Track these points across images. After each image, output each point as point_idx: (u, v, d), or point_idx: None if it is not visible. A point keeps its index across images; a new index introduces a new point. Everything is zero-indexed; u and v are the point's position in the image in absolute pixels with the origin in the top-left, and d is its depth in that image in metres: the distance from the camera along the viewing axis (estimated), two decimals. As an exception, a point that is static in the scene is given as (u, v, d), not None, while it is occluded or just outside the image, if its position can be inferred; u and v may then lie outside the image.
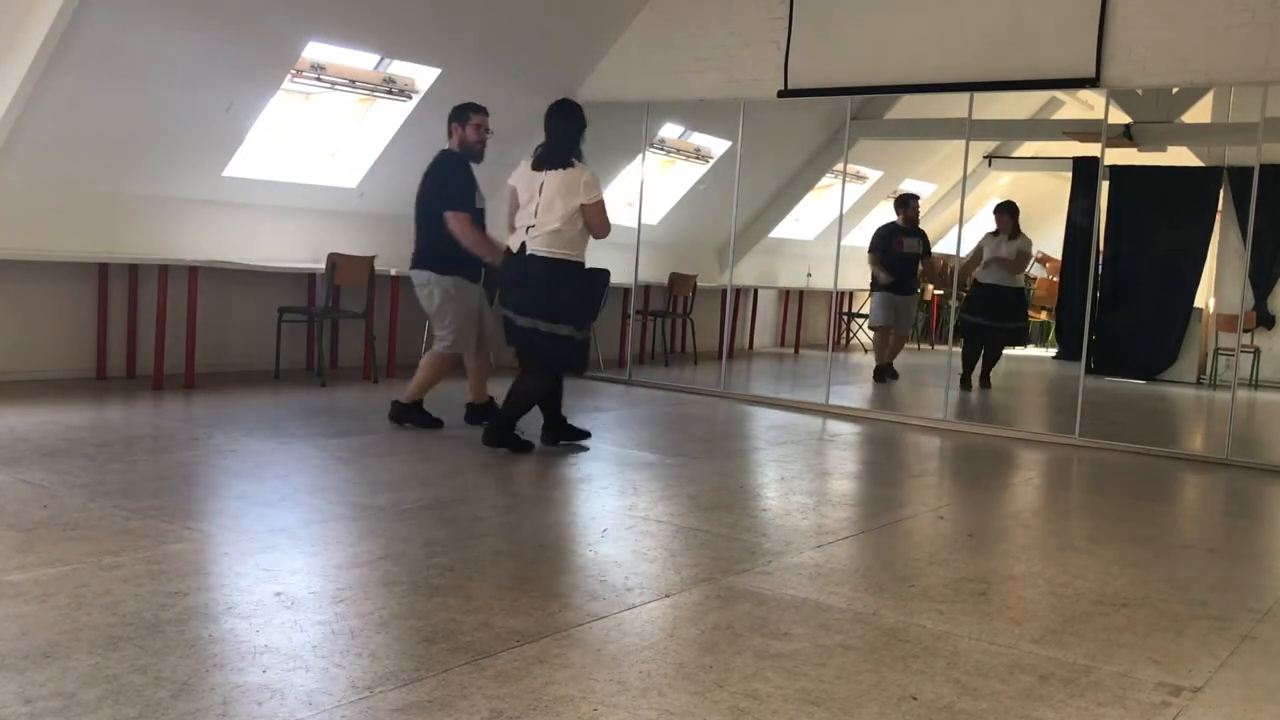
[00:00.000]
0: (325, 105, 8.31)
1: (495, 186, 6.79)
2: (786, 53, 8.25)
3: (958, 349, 9.41)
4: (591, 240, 5.66)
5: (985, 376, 9.50)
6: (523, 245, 5.45)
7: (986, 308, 9.42)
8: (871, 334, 10.59)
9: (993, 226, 9.56)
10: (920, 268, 10.28)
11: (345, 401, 7.20)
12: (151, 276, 7.39)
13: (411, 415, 6.19)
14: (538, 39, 8.59)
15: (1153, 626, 3.43)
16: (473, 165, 6.07)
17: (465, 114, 6.08)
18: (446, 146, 6.12)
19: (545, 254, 5.41)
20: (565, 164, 5.44)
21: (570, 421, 5.99)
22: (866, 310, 12.64)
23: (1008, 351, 9.99)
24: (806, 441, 6.82)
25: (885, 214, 10.72)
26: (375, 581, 3.41)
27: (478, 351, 6.26)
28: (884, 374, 9.89)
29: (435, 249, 5.98)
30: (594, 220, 5.47)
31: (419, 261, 6.06)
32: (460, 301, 6.04)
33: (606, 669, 2.80)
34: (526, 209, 5.48)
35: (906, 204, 9.90)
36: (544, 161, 5.48)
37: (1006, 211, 9.43)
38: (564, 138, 5.49)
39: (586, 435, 6.03)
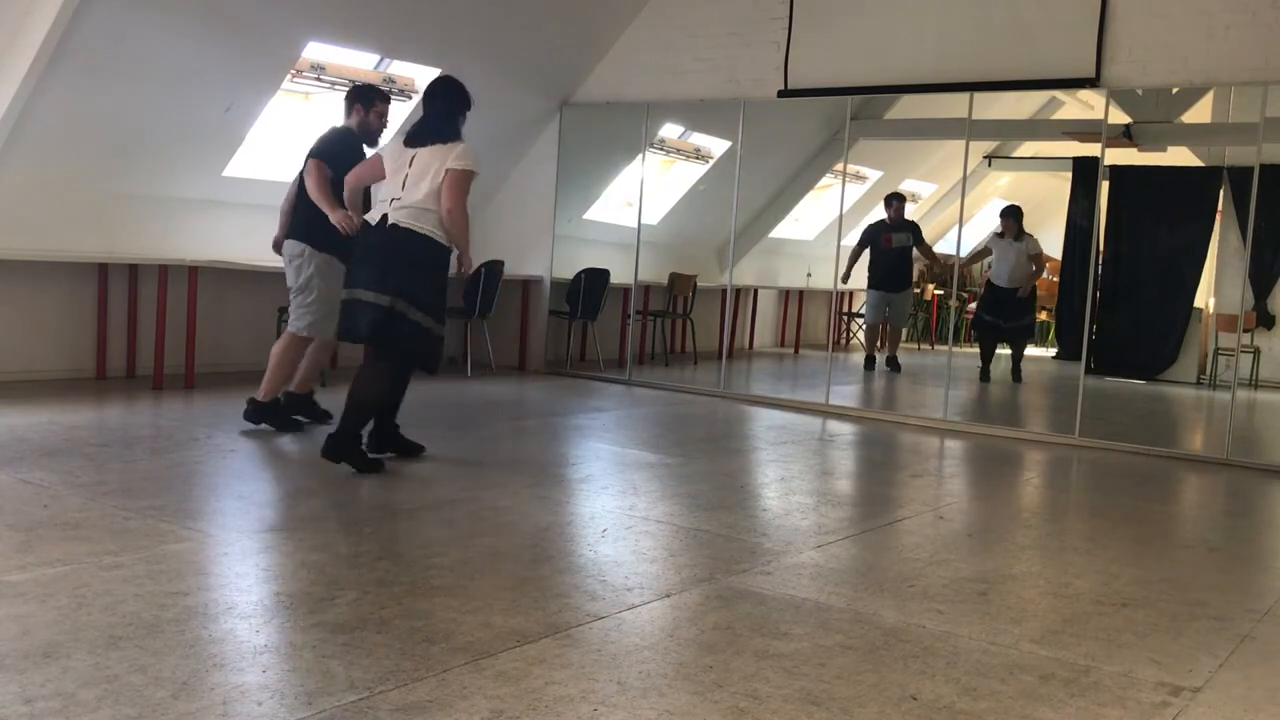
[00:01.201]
0: (325, 105, 8.31)
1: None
2: (786, 53, 8.25)
3: (958, 349, 9.49)
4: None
5: (1016, 371, 9.88)
6: (384, 217, 4.91)
7: (997, 308, 9.79)
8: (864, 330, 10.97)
9: (998, 227, 9.81)
10: (915, 260, 10.45)
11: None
12: (151, 276, 7.40)
13: (302, 408, 5.96)
14: (538, 39, 8.59)
15: (1153, 626, 3.43)
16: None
17: (371, 100, 5.84)
18: (344, 124, 5.87)
19: (409, 226, 4.86)
20: (442, 140, 4.97)
21: (406, 434, 5.40)
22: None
23: (1007, 351, 10.08)
24: (806, 441, 6.81)
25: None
26: (375, 581, 3.41)
27: (325, 341, 5.94)
28: (885, 364, 10.22)
29: (315, 223, 5.65)
30: (448, 186, 4.86)
31: (295, 232, 5.76)
32: (329, 281, 5.73)
33: (606, 669, 2.80)
34: (392, 182, 4.98)
35: (892, 202, 10.20)
36: (417, 138, 5.01)
37: (1011, 215, 9.70)
38: (443, 115, 5.09)
39: (422, 450, 5.42)
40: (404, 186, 4.95)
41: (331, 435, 4.96)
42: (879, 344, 10.52)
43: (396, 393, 5.25)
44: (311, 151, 5.71)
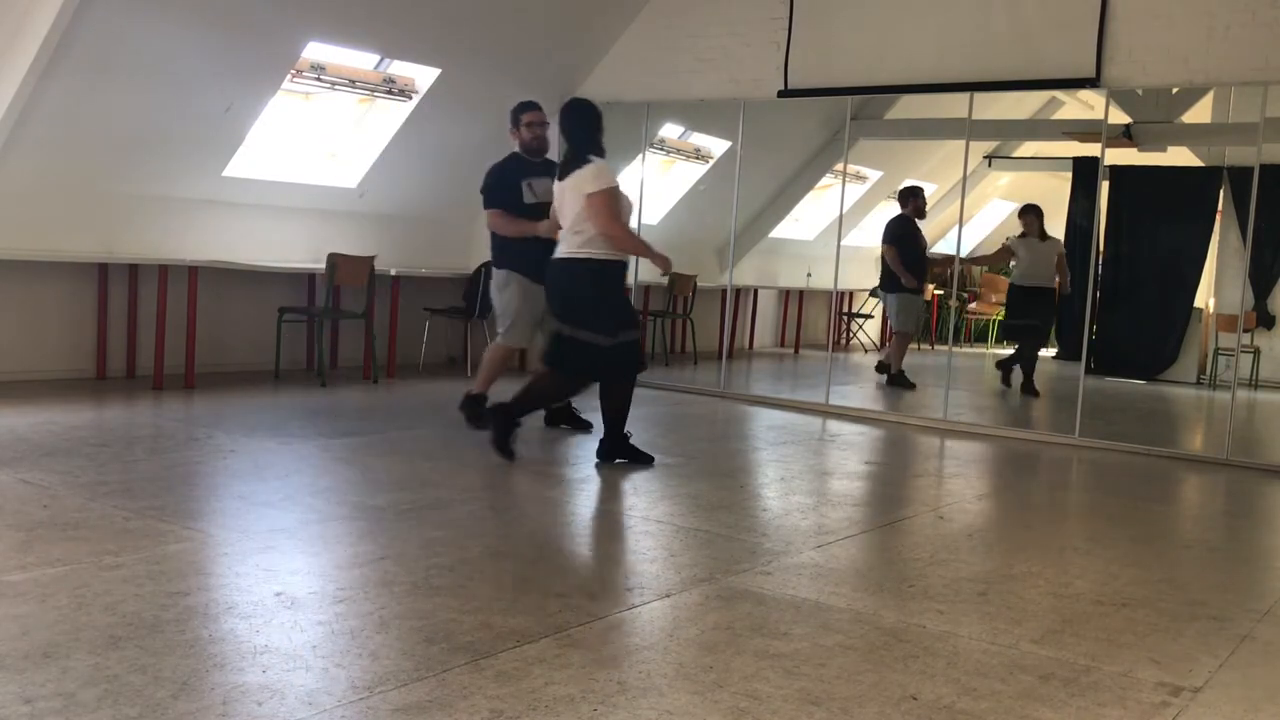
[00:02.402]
0: (325, 105, 8.31)
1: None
2: (786, 53, 8.25)
3: (959, 349, 9.40)
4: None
5: (1029, 382, 9.19)
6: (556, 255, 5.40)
7: (1025, 309, 9.40)
8: (890, 338, 10.07)
9: (1010, 230, 9.51)
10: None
11: (345, 401, 7.20)
12: (151, 276, 7.40)
13: (475, 407, 6.29)
14: (538, 39, 8.59)
15: (1153, 626, 3.43)
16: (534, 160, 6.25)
17: (517, 116, 6.26)
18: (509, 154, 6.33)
19: (564, 256, 5.31)
20: (580, 164, 5.30)
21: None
22: (867, 310, 12.64)
23: (1009, 351, 10.01)
24: (806, 441, 6.81)
25: (886, 214, 10.67)
26: (375, 581, 3.41)
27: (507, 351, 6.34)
28: (899, 381, 9.47)
29: (494, 247, 6.25)
30: (594, 215, 5.16)
31: (492, 259, 6.34)
32: (509, 294, 6.17)
33: (606, 669, 2.80)
34: (560, 219, 5.42)
35: (916, 195, 9.54)
36: (564, 170, 5.38)
37: (1033, 213, 9.31)
38: (576, 144, 5.41)
39: (650, 460, 5.67)
40: (564, 218, 5.35)
41: (604, 442, 5.53)
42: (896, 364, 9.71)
43: (628, 397, 5.55)
44: (484, 203, 6.20)
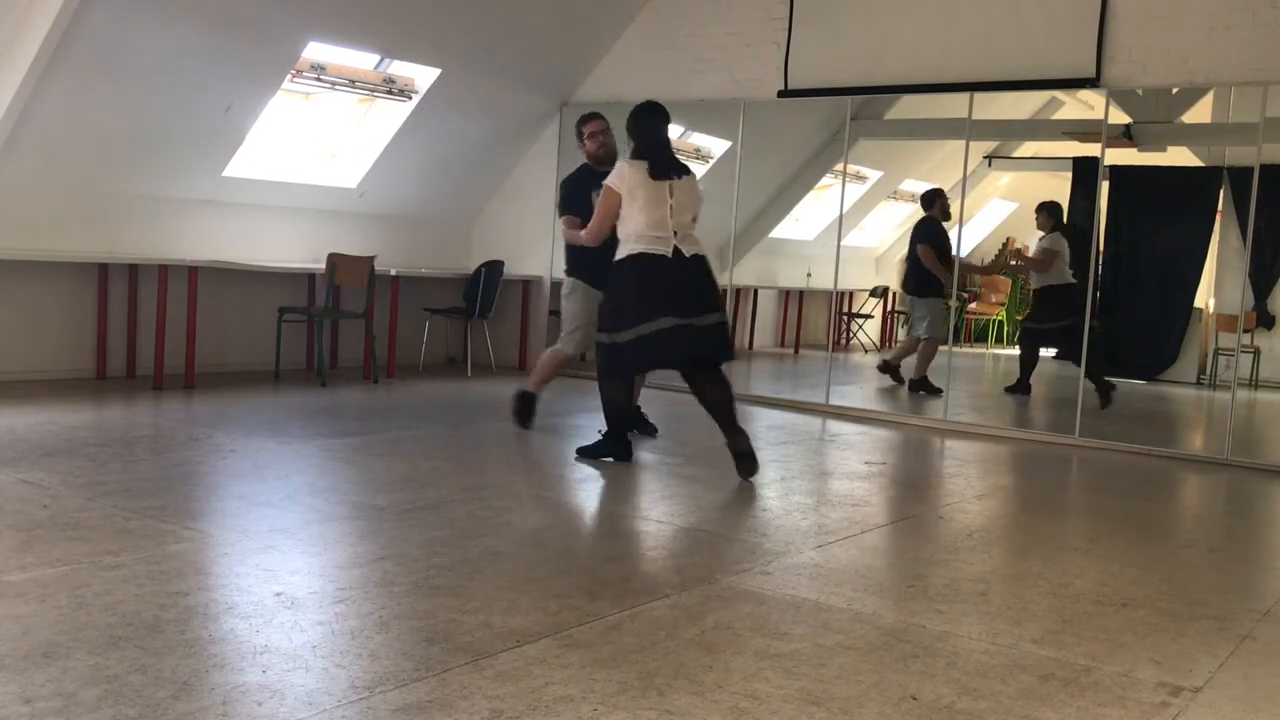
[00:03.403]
0: (325, 105, 8.31)
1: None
2: (786, 53, 8.25)
3: (958, 349, 9.37)
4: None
5: (1106, 395, 8.36)
6: (677, 250, 5.27)
7: (1039, 312, 9.26)
8: (919, 344, 9.35)
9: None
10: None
11: (345, 401, 7.20)
12: (151, 276, 7.40)
13: (526, 405, 6.44)
14: (538, 39, 8.60)
15: (1153, 626, 3.43)
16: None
17: (580, 129, 6.31)
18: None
19: (702, 252, 5.39)
20: (685, 170, 5.44)
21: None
22: (866, 310, 12.64)
23: (1009, 351, 9.88)
24: (806, 441, 6.81)
25: (886, 214, 10.65)
26: (375, 581, 3.41)
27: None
28: (921, 386, 9.07)
29: (567, 257, 6.28)
30: (699, 209, 5.49)
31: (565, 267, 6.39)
32: (575, 301, 6.19)
33: (606, 669, 2.80)
34: (656, 213, 5.26)
35: (940, 196, 9.21)
36: (668, 170, 5.34)
37: (1044, 211, 9.01)
38: (668, 143, 5.45)
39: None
40: (672, 216, 5.27)
41: (744, 454, 5.32)
42: (898, 359, 9.53)
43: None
44: (559, 211, 6.28)
